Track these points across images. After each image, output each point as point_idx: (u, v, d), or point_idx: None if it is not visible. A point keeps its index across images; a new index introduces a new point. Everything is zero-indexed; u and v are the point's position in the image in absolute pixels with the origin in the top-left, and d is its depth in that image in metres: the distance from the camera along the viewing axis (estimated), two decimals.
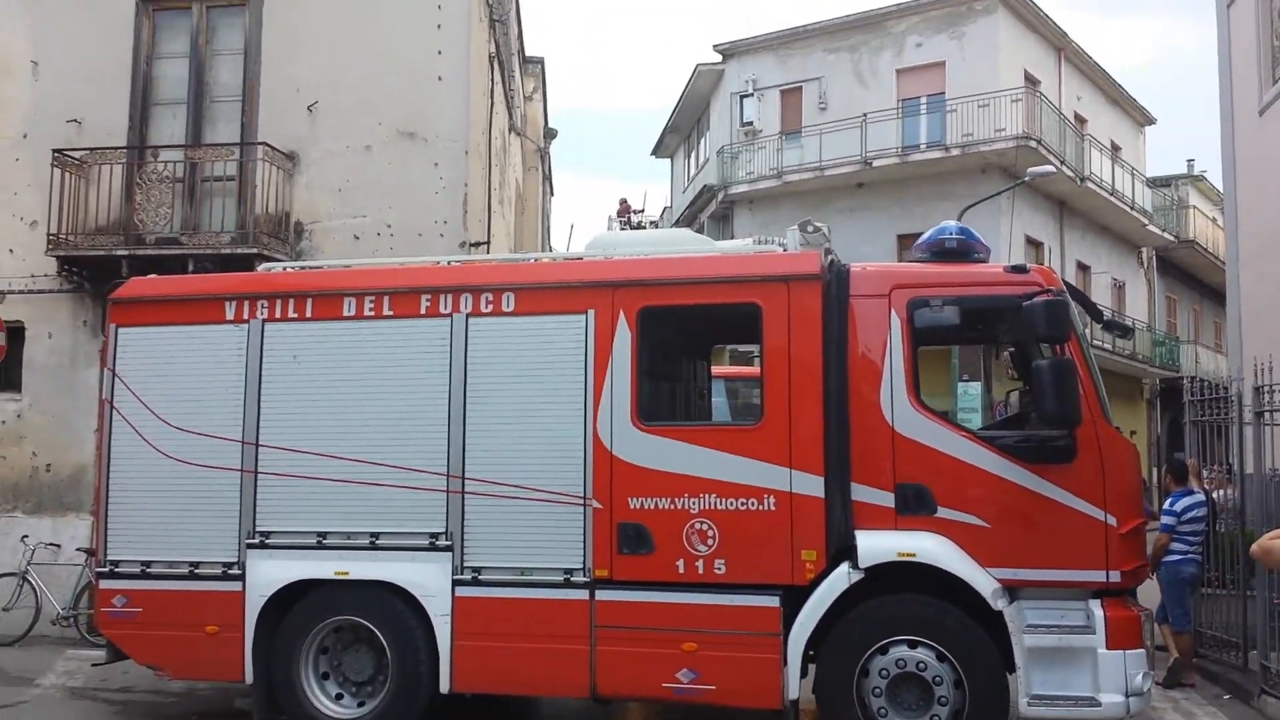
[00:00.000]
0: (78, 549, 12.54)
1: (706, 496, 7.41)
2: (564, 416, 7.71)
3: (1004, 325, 8.21)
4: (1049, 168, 23.54)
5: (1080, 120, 29.15)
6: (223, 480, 8.25)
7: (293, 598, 8.10)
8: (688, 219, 31.69)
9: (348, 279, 8.65)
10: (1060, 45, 28.54)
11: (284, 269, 9.41)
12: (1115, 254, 31.20)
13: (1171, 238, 33.05)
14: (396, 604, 7.88)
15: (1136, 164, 32.34)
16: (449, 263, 9.37)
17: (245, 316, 8.38)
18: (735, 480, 7.39)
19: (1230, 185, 14.93)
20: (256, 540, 8.15)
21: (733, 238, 26.28)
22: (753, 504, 7.35)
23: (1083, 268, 29.17)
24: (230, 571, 8.18)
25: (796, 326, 7.46)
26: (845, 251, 8.66)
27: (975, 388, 19.04)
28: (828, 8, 61.73)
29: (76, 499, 13.32)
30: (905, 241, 24.08)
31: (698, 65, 30.31)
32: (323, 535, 8.06)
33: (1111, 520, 7.03)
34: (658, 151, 37.35)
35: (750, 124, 28.49)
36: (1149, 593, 7.85)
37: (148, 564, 8.34)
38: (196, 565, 8.25)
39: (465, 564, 7.78)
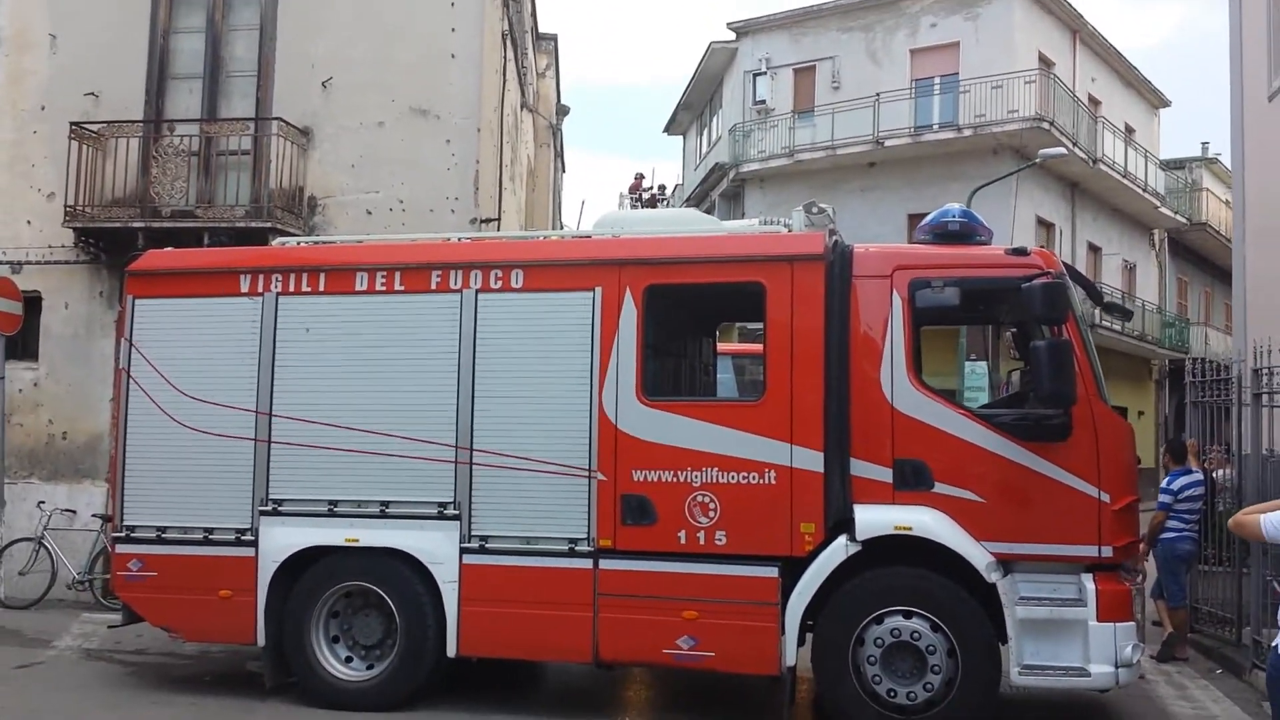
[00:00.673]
0: (93, 515, 12.81)
1: (709, 470, 7.58)
2: (570, 391, 7.87)
3: (1004, 306, 8.37)
4: (1060, 149, 23.56)
5: (1094, 102, 29.08)
6: (237, 449, 8.43)
7: (304, 563, 8.30)
8: (699, 197, 31.76)
9: (360, 254, 8.81)
10: (1075, 27, 28.46)
11: (298, 243, 9.57)
12: (1127, 236, 31.19)
13: (1184, 220, 33.00)
14: (405, 571, 8.08)
15: (1150, 146, 32.26)
16: (459, 239, 9.54)
17: (260, 289, 8.55)
18: (737, 454, 7.56)
19: (1239, 169, 14.93)
20: (269, 508, 8.34)
21: (743, 216, 26.36)
22: (754, 478, 7.52)
23: (1094, 249, 29.18)
24: (243, 538, 8.38)
25: (800, 306, 7.61)
26: (855, 231, 8.79)
27: (981, 367, 19.11)
28: None
29: (92, 466, 13.57)
30: (916, 221, 23.74)
31: (711, 43, 30.32)
32: (334, 503, 8.25)
33: (1105, 497, 7.18)
34: (670, 129, 37.39)
35: (763, 102, 28.51)
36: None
37: (163, 529, 8.54)
38: (210, 531, 8.45)
39: (472, 532, 7.97)
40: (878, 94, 25.74)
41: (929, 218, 8.16)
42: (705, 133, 33.99)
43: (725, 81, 30.96)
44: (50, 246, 13.85)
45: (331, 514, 8.26)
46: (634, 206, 31.96)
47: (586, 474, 7.78)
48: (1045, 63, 26.63)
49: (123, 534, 8.68)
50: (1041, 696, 8.38)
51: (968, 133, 24.80)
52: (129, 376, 8.74)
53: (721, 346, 11.53)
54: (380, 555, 8.15)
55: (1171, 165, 34.45)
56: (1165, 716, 8.41)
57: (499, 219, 14.78)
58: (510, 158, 16.70)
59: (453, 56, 13.59)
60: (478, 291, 8.13)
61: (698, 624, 7.50)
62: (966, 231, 7.93)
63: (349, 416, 8.24)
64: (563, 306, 7.99)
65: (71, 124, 13.36)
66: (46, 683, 9.07)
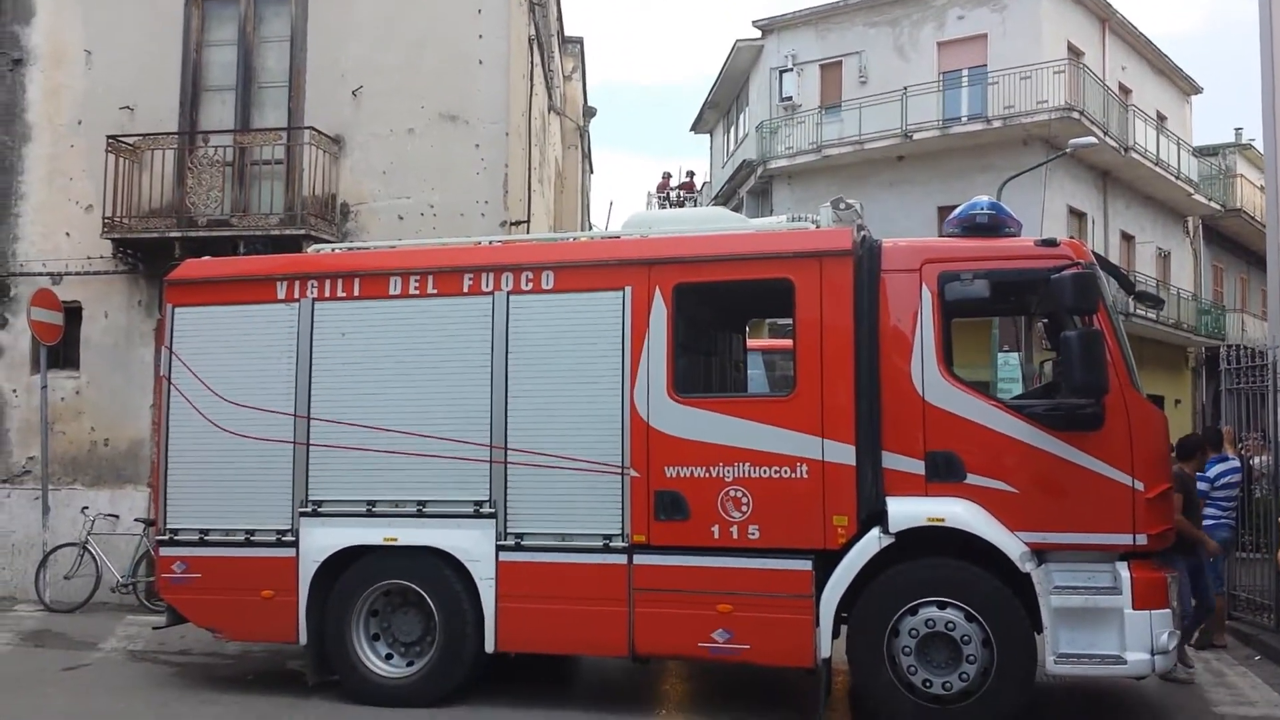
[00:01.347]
0: (135, 519, 13.06)
1: (741, 465, 7.65)
2: (602, 389, 7.96)
3: (1034, 298, 8.35)
4: (1091, 139, 23.34)
5: (1125, 90, 28.83)
6: (276, 452, 8.58)
7: (344, 563, 8.44)
8: (727, 194, 31.78)
9: (393, 259, 8.93)
10: (1104, 16, 28.22)
11: (332, 250, 9.71)
12: (1160, 224, 30.90)
13: (1218, 206, 32.66)
14: (443, 568, 8.20)
15: (1182, 133, 31.94)
16: (490, 242, 9.66)
17: (296, 296, 8.70)
18: (769, 449, 7.61)
19: (1272, 156, 14.77)
20: (309, 509, 8.49)
21: (771, 212, 26.42)
22: (786, 472, 7.58)
23: (1126, 238, 28.94)
24: (284, 539, 8.53)
25: (829, 301, 7.65)
26: (885, 224, 8.82)
27: (1014, 358, 19.06)
28: None
29: (134, 471, 13.85)
30: (945, 214, 23.61)
31: (737, 41, 30.33)
32: (372, 504, 8.38)
33: (1139, 485, 7.17)
34: (697, 127, 37.39)
35: (789, 99, 28.48)
36: None
37: (205, 532, 8.71)
38: (252, 533, 8.61)
39: (508, 530, 8.08)
40: (905, 87, 25.64)
41: (957, 211, 8.16)
42: (732, 130, 34.01)
43: (752, 79, 30.96)
44: (89, 258, 14.13)
45: (370, 514, 8.39)
46: (662, 206, 32.12)
47: (620, 471, 7.86)
48: (1074, 52, 26.44)
49: (166, 537, 8.85)
50: (1078, 685, 8.40)
51: (997, 124, 24.65)
52: (170, 383, 8.92)
53: (751, 343, 11.57)
54: (418, 554, 8.26)
55: (1205, 152, 34.07)
56: (1203, 703, 8.39)
57: (529, 221, 14.90)
58: (538, 160, 16.84)
59: (480, 62, 13.73)
60: (509, 293, 8.24)
61: (732, 617, 7.57)
62: (995, 224, 7.93)
63: (385, 418, 8.36)
64: (593, 306, 8.08)
65: (108, 137, 13.61)
66: (94, 684, 9.27)
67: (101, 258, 14.05)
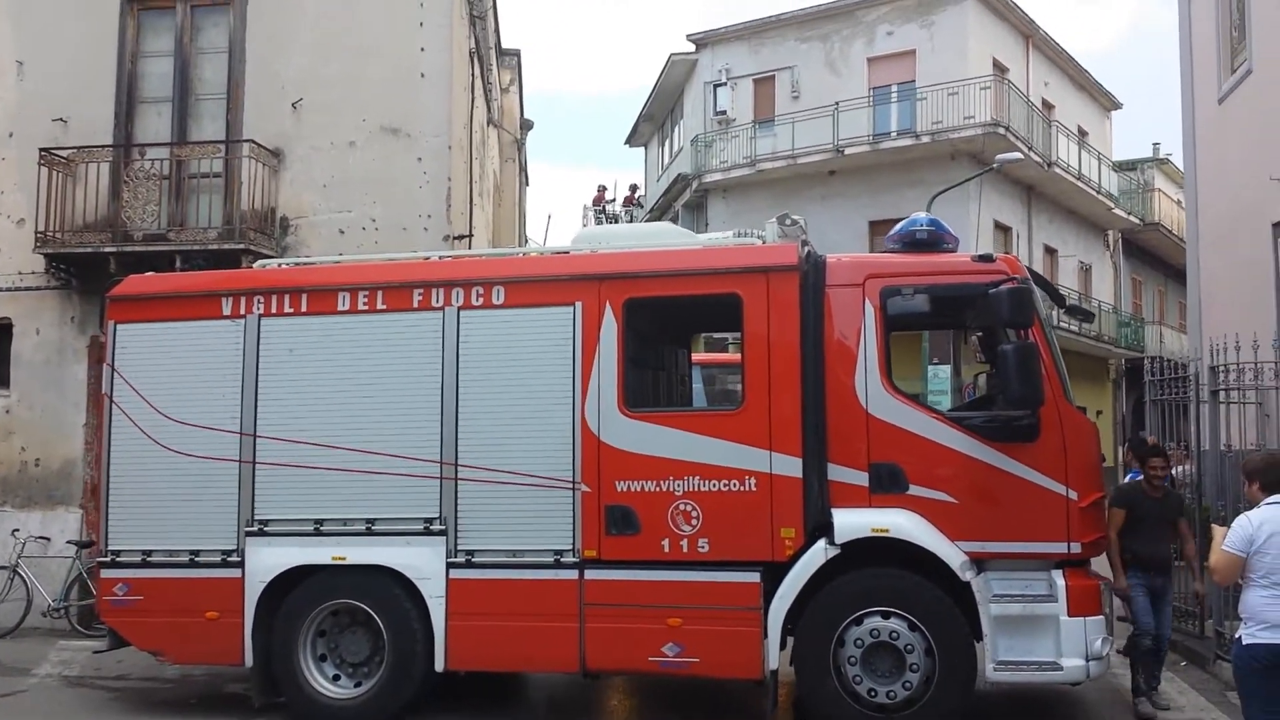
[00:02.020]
0: (68, 541, 12.78)
1: (690, 479, 7.77)
2: (553, 404, 8.03)
3: (971, 311, 8.59)
4: (1017, 154, 24.01)
5: (1048, 106, 29.62)
6: (221, 471, 8.51)
7: (291, 583, 8.38)
8: (662, 208, 31.99)
9: (341, 274, 8.93)
10: (1028, 32, 28.98)
11: (278, 265, 9.66)
12: (1082, 237, 31.75)
13: (1137, 220, 33.64)
14: (392, 587, 8.18)
15: (1103, 148, 32.87)
16: (440, 257, 9.68)
17: (242, 312, 8.64)
18: (718, 463, 7.74)
19: (1191, 171, 15.33)
20: (255, 528, 8.42)
21: (707, 226, 26.67)
22: (734, 485, 7.71)
23: (1050, 251, 29.69)
24: (230, 559, 8.45)
25: (775, 315, 7.82)
26: (817, 238, 9.01)
27: (945, 371, 19.50)
28: None
29: (66, 492, 13.56)
30: (876, 228, 24.47)
31: (671, 55, 30.61)
32: (320, 522, 8.35)
33: (1073, 495, 7.43)
34: (631, 140, 37.62)
35: (723, 113, 28.81)
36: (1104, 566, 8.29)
37: (148, 553, 8.60)
38: (196, 554, 8.52)
39: (459, 547, 8.10)
40: (837, 103, 26.10)
41: (897, 227, 8.38)
42: (667, 144, 34.27)
43: (686, 92, 31.25)
44: (20, 273, 13.84)
45: (318, 533, 8.35)
46: (598, 219, 32.23)
47: (571, 486, 7.94)
48: (999, 69, 27.13)
49: (108, 559, 8.73)
50: (1015, 691, 8.63)
51: (925, 139, 25.19)
52: (111, 401, 8.80)
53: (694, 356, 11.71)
54: (367, 572, 8.25)
55: (1124, 166, 35.09)
56: (1130, 708, 8.66)
57: (470, 236, 14.91)
58: (479, 174, 16.84)
59: (422, 75, 13.72)
60: (459, 309, 8.27)
61: (682, 631, 7.67)
62: (934, 239, 8.17)
63: (334, 435, 8.34)
64: (544, 322, 8.15)
65: (41, 150, 13.35)
66: (30, 712, 9.10)
67: (34, 273, 13.76)
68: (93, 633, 11.68)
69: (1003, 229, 26.89)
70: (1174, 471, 11.33)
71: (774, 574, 7.63)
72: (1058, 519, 7.43)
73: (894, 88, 26.81)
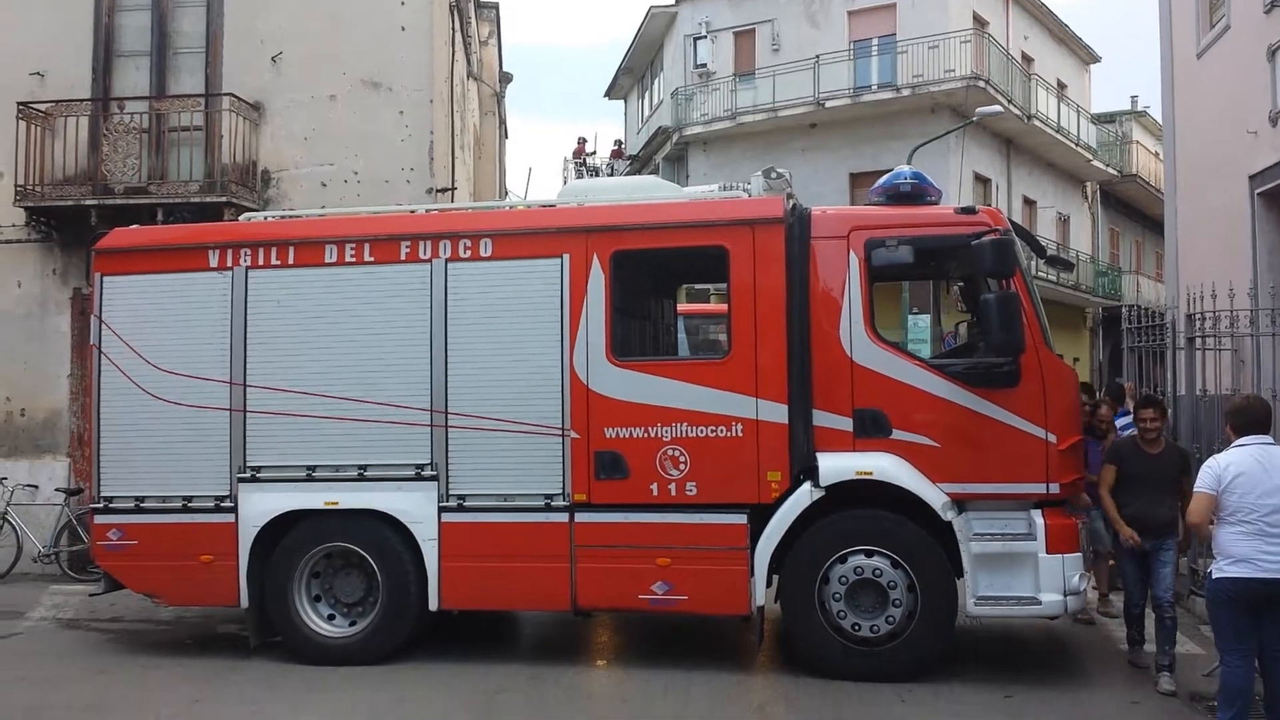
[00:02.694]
0: (56, 489, 12.89)
1: (678, 425, 7.92)
2: (542, 354, 8.15)
3: (954, 262, 8.76)
4: (997, 107, 24.05)
5: (1027, 59, 29.66)
6: (212, 419, 8.59)
7: (284, 527, 8.52)
8: (643, 160, 31.94)
9: (328, 227, 8.95)
10: None
11: (264, 218, 9.68)
12: (1060, 189, 31.93)
13: (1115, 172, 33.84)
14: (385, 530, 8.34)
15: (1082, 101, 32.98)
16: (427, 210, 9.74)
17: (229, 264, 8.68)
18: (705, 410, 7.90)
19: (1169, 124, 15.46)
20: (248, 475, 8.53)
21: (688, 179, 26.67)
22: (722, 431, 7.87)
23: (1029, 203, 29.85)
24: (223, 504, 8.57)
25: (761, 267, 7.94)
26: (798, 190, 9.09)
27: (925, 320, 19.69)
28: None
29: (52, 441, 13.69)
30: (857, 180, 24.56)
31: (651, 7, 30.39)
32: (312, 469, 8.47)
33: (1051, 438, 7.62)
34: (611, 93, 37.43)
35: (704, 66, 28.69)
36: None
37: (141, 499, 8.70)
38: (190, 499, 8.63)
39: (450, 492, 8.24)
40: (817, 56, 26.05)
41: (882, 180, 8.49)
42: (647, 96, 34.14)
43: (666, 45, 31.09)
44: (0, 227, 13.78)
45: (310, 479, 8.47)
46: (578, 172, 32.18)
47: (560, 433, 8.08)
48: (979, 22, 27.12)
49: (101, 505, 8.82)
50: (996, 625, 8.89)
51: (906, 93, 25.19)
52: (100, 352, 8.85)
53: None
54: (360, 516, 8.39)
55: (1102, 119, 35.22)
56: (1108, 642, 8.93)
57: (453, 189, 14.93)
58: (459, 127, 16.81)
59: (403, 29, 13.69)
60: (447, 261, 8.35)
61: (671, 570, 7.86)
62: (917, 192, 8.28)
63: (324, 384, 8.44)
64: (532, 273, 8.24)
65: (18, 104, 13.28)
66: (29, 652, 9.23)
67: (14, 226, 13.74)
68: (83, 577, 11.88)
69: (982, 181, 27.02)
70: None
71: (761, 515, 7.82)
72: (1037, 461, 7.61)
73: (874, 41, 26.75)
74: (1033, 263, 11.13)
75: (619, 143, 34.89)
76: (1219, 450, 6.93)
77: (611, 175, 30.86)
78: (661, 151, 30.02)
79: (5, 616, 10.58)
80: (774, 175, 8.57)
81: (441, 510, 8.24)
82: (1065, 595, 7.49)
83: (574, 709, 7.50)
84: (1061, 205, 32.04)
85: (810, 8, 27.69)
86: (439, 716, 7.40)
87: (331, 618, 8.58)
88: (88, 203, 13.19)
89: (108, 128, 13.37)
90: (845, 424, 7.81)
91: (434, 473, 8.26)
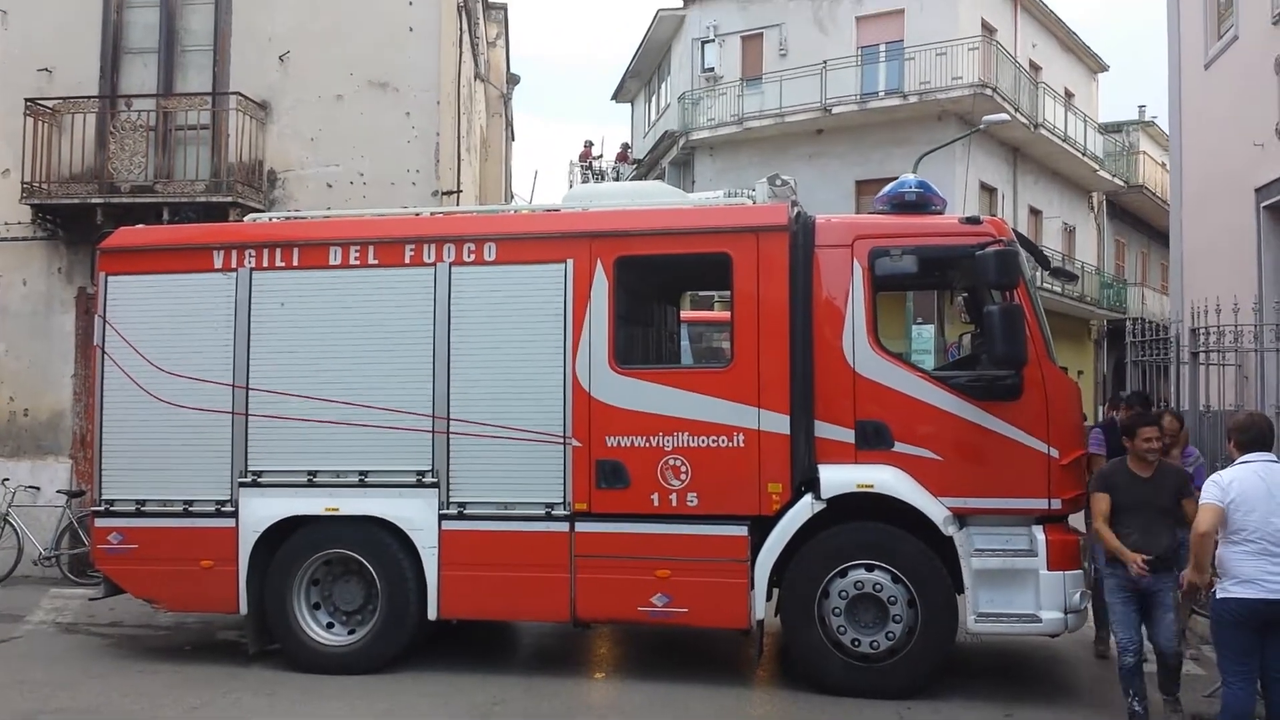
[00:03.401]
0: (57, 491, 12.85)
1: (680, 434, 7.88)
2: (544, 360, 8.12)
3: (958, 273, 8.71)
4: (1003, 115, 24.02)
5: (1035, 68, 29.61)
6: (214, 422, 8.57)
7: (284, 533, 8.49)
8: (649, 164, 31.92)
9: (333, 229, 8.94)
10: None
11: (269, 219, 9.67)
12: (1066, 199, 31.88)
13: (1121, 183, 33.78)
14: (385, 538, 8.31)
15: (1089, 110, 32.94)
16: (431, 213, 9.72)
17: (233, 265, 8.67)
18: (707, 419, 7.86)
19: (1176, 136, 15.41)
20: (249, 479, 8.50)
21: (694, 183, 26.64)
22: (723, 441, 7.83)
23: (1034, 212, 29.81)
24: (223, 509, 8.54)
25: (765, 275, 7.91)
26: (804, 197, 9.07)
27: (929, 330, 19.67)
28: None
29: (55, 443, 13.65)
30: (863, 187, 24.53)
31: (659, 11, 30.36)
32: (313, 474, 8.43)
33: (1054, 452, 7.58)
34: (618, 97, 37.40)
35: (711, 70, 28.66)
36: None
37: (142, 503, 8.67)
38: (190, 504, 8.60)
39: (451, 499, 8.21)
40: (825, 61, 26.01)
41: (887, 189, 8.45)
42: (654, 100, 34.11)
43: (673, 49, 31.06)
44: (7, 224, 13.82)
45: (311, 484, 8.44)
46: (584, 175, 32.16)
47: (562, 441, 8.04)
48: (988, 29, 27.08)
49: (102, 508, 8.79)
50: (997, 641, 8.84)
51: (913, 99, 25.16)
52: (104, 352, 8.83)
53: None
54: (360, 523, 8.35)
55: (1109, 129, 35.18)
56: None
57: (459, 191, 14.92)
58: (466, 129, 16.80)
59: (410, 29, 13.68)
60: (451, 265, 8.33)
61: (671, 582, 7.82)
62: (922, 201, 8.25)
63: (326, 389, 8.41)
64: (535, 278, 8.21)
65: (26, 100, 13.27)
66: (28, 656, 9.19)
67: (20, 224, 13.74)
68: (84, 581, 11.82)
69: (988, 190, 26.98)
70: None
71: (761, 527, 7.78)
72: (1039, 476, 7.57)
73: (882, 47, 26.70)
74: (1037, 274, 11.11)
75: (626, 146, 34.92)
76: (1221, 467, 6.88)
77: (617, 179, 30.83)
78: (668, 156, 29.99)
79: (5, 620, 10.55)
80: (779, 182, 8.54)
81: (442, 518, 8.21)
82: (1066, 613, 7.44)
83: None
84: (1067, 216, 31.99)
85: (818, 13, 27.65)
86: None
87: (330, 626, 8.55)
88: (94, 201, 13.19)
89: (115, 125, 13.37)
90: (847, 435, 7.77)
91: (435, 479, 8.23)
